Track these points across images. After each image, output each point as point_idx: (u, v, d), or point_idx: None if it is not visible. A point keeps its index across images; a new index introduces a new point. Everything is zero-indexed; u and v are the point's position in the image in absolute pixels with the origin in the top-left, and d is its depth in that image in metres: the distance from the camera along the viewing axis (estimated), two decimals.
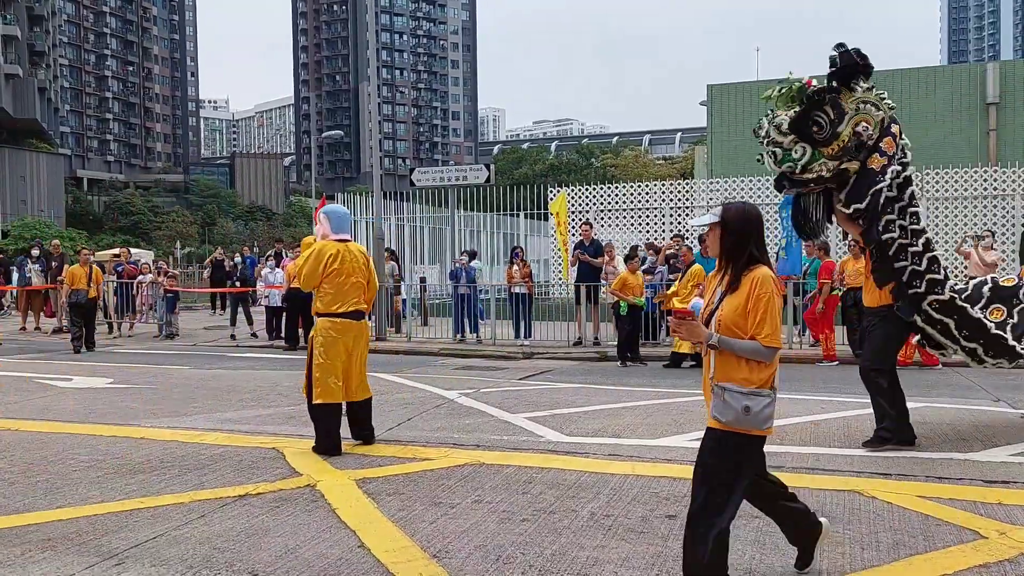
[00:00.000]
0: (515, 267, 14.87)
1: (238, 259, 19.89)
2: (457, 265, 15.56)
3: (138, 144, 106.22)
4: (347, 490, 5.27)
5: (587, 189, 21.01)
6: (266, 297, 16.14)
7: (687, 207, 19.85)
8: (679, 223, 19.42)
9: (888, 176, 5.89)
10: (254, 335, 16.19)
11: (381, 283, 15.43)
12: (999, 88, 22.71)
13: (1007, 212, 17.34)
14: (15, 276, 20.63)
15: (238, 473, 5.76)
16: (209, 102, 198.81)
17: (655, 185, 20.97)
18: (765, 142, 5.91)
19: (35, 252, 19.83)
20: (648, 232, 19.77)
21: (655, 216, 20.04)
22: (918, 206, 6.32)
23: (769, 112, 5.97)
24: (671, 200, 19.93)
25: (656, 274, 14.02)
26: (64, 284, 15.38)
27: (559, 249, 17.70)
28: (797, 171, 5.80)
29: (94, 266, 15.17)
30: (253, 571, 3.95)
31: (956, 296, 6.35)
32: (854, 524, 4.59)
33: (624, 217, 20.29)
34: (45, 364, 12.41)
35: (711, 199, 19.77)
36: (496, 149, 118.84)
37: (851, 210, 5.95)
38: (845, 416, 7.59)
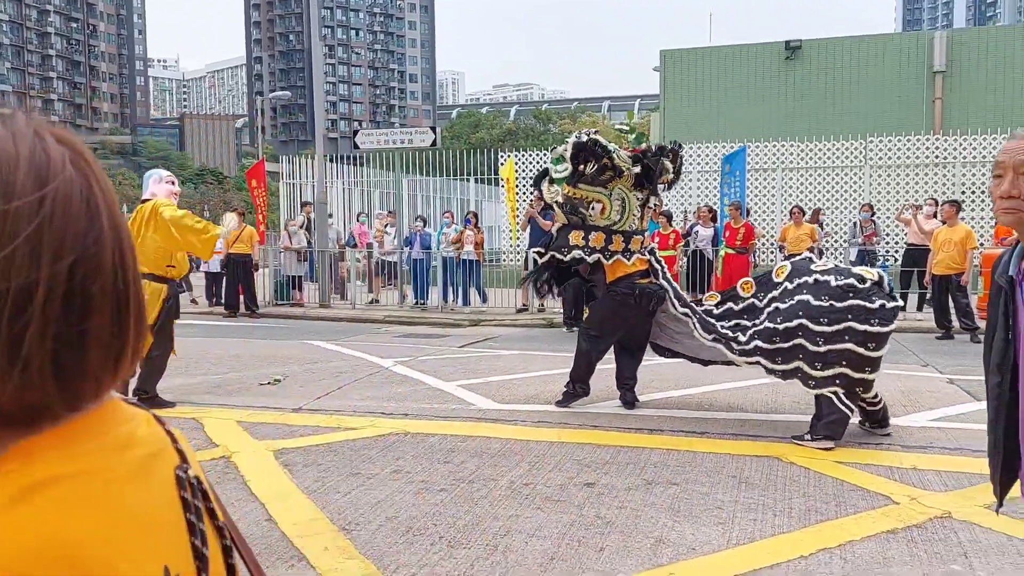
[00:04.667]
0: (468, 232, 14.67)
1: None
2: (412, 231, 15.34)
3: (83, 104, 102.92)
4: (262, 461, 5.14)
5: (539, 154, 20.81)
6: (205, 262, 15.76)
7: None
8: None
9: None
10: (193, 301, 15.82)
11: (326, 249, 15.21)
12: (946, 57, 22.96)
13: (948, 180, 17.61)
14: None
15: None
16: (158, 61, 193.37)
17: None
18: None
19: None
20: None
21: None
22: None
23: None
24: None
25: None
26: None
27: (509, 215, 17.54)
28: None
29: None
30: None
31: None
32: (770, 490, 4.60)
33: None
34: None
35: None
36: (455, 113, 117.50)
37: None
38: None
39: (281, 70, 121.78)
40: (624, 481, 4.78)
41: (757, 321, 5.83)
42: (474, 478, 4.86)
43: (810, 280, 5.63)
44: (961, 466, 4.99)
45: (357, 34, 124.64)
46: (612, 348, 6.69)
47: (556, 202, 6.42)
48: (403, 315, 14.09)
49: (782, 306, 5.66)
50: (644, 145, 6.51)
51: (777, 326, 5.60)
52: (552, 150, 6.76)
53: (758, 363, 5.78)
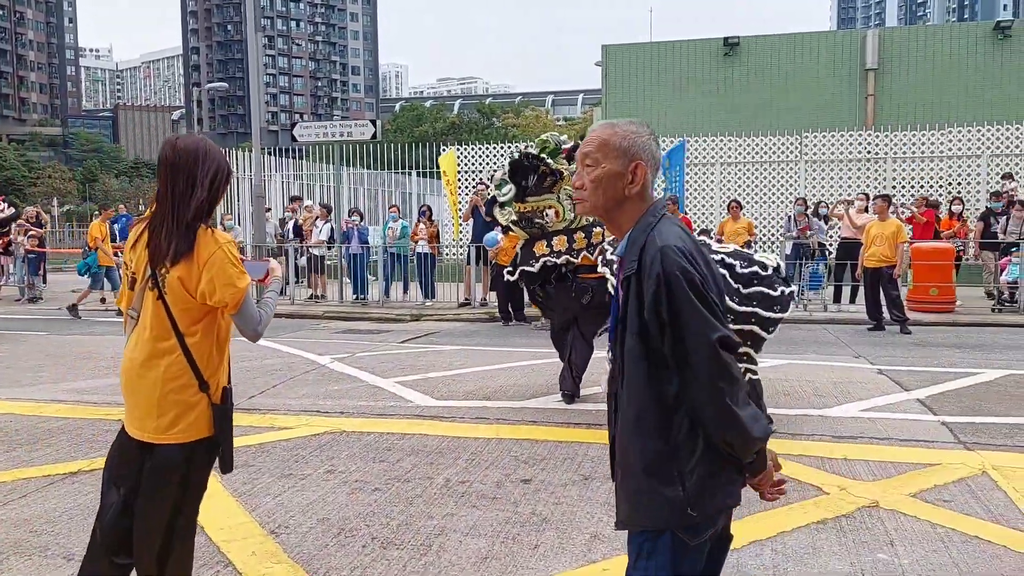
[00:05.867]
0: (421, 225, 14.49)
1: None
2: (348, 226, 15.07)
3: (10, 94, 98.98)
4: None
5: (481, 148, 20.75)
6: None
7: None
8: None
9: None
10: None
11: (263, 243, 14.88)
12: (878, 54, 23.53)
13: (880, 175, 18.09)
14: None
15: (75, 448, 5.37)
16: (90, 51, 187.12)
17: None
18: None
19: None
20: None
21: None
22: None
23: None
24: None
25: None
26: None
27: (451, 208, 17.42)
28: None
29: None
30: (69, 555, 3.65)
31: None
32: None
33: None
34: None
35: None
36: (398, 106, 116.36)
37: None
38: None
39: (219, 60, 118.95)
40: (561, 477, 4.76)
41: None
42: (410, 476, 4.78)
43: (716, 259, 5.80)
44: (889, 456, 5.10)
45: (298, 25, 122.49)
46: (569, 340, 6.78)
47: (512, 221, 6.50)
48: (343, 311, 13.87)
49: None
50: (572, 143, 6.60)
51: None
52: (492, 178, 7.00)
53: None
